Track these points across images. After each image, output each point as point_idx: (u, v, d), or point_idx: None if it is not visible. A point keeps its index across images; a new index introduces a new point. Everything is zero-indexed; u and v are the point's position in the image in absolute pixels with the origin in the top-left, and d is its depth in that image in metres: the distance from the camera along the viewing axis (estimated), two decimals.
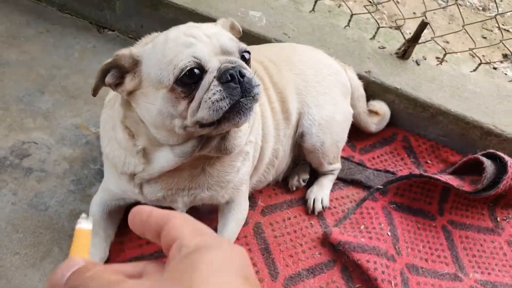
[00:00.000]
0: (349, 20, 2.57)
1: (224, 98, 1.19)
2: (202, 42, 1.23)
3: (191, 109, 1.22)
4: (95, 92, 1.36)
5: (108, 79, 1.30)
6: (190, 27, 1.31)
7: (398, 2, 3.84)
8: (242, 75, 1.21)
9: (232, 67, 1.21)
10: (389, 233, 1.97)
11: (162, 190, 1.53)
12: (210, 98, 1.19)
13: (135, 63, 1.29)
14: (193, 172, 1.50)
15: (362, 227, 1.97)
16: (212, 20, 2.38)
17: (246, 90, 1.21)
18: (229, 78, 1.19)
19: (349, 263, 1.84)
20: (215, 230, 1.79)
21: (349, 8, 2.58)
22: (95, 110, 2.26)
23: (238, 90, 1.20)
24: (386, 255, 1.85)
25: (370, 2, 3.89)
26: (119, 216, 1.81)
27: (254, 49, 2.02)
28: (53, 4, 2.73)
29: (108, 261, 1.71)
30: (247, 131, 1.48)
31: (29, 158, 2.01)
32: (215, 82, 1.20)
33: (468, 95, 2.35)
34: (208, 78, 1.21)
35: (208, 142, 1.36)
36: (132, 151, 1.44)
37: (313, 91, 1.93)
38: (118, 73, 1.30)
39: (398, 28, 2.46)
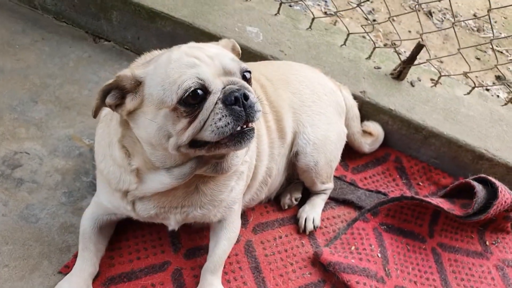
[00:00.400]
0: (346, 39, 2.59)
1: (228, 124, 1.21)
2: (205, 63, 1.25)
3: (193, 129, 1.23)
4: (95, 114, 1.36)
5: (109, 100, 1.31)
6: (192, 48, 1.32)
7: (393, 20, 3.90)
8: (246, 98, 1.23)
9: (236, 89, 1.23)
10: (379, 255, 1.98)
11: (154, 208, 1.53)
12: (215, 122, 1.22)
13: (137, 84, 1.31)
14: (187, 190, 1.50)
15: (353, 247, 1.98)
16: (209, 34, 2.42)
17: (250, 115, 1.23)
18: (234, 101, 1.21)
19: (339, 284, 1.84)
20: (207, 247, 1.79)
21: (345, 26, 2.61)
22: (88, 122, 2.25)
23: (243, 115, 1.22)
24: (375, 277, 1.86)
25: (366, 19, 3.94)
26: (111, 231, 1.80)
27: (251, 66, 2.05)
28: (49, 12, 2.73)
29: (98, 276, 1.70)
30: (244, 152, 1.49)
31: (20, 169, 2.00)
32: (220, 105, 1.22)
33: (461, 118, 2.38)
34: (212, 99, 1.23)
35: (205, 163, 1.38)
36: (127, 169, 1.44)
37: (309, 111, 1.95)
38: (119, 94, 1.32)
39: (394, 48, 2.49)
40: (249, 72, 1.34)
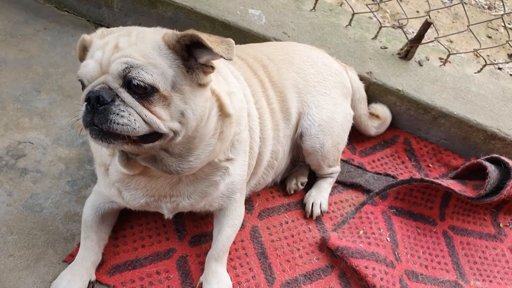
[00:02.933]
0: (351, 19, 2.52)
1: (79, 118, 1.23)
2: (98, 62, 1.22)
3: None
4: (80, 58, 1.41)
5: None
6: (116, 40, 1.26)
7: (401, 0, 3.78)
8: (102, 103, 1.18)
9: (98, 89, 1.19)
10: (388, 239, 1.93)
11: (144, 196, 1.53)
12: (81, 109, 1.23)
13: None
14: (171, 180, 1.50)
15: (361, 232, 1.94)
16: (210, 18, 2.37)
17: (98, 119, 1.18)
18: (88, 100, 1.19)
19: (347, 269, 1.81)
20: (212, 234, 1.77)
21: (350, 6, 2.54)
22: None
23: (89, 117, 1.19)
24: (385, 261, 1.82)
25: (372, 0, 3.84)
26: (113, 219, 1.79)
27: (253, 47, 2.00)
28: (51, 2, 2.70)
29: (102, 264, 1.69)
30: (204, 154, 1.40)
31: (24, 158, 1.99)
32: (83, 101, 1.23)
33: (472, 97, 2.31)
34: (85, 91, 1.24)
35: (127, 153, 1.38)
36: None
37: (313, 91, 1.90)
38: None
39: (401, 27, 2.41)
40: (144, 87, 1.19)
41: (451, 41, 3.54)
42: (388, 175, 2.19)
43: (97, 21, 2.69)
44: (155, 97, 1.20)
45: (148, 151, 1.33)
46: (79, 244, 1.70)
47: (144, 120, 1.20)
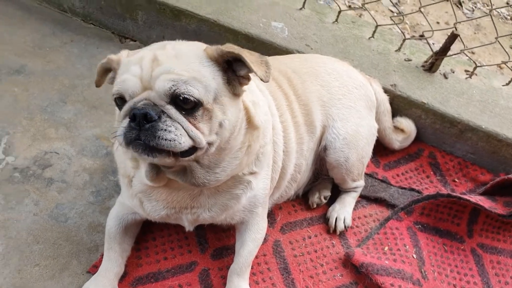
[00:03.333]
0: (374, 31, 2.50)
1: (120, 135, 1.22)
2: (139, 77, 1.21)
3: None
4: (97, 84, 1.47)
5: (109, 81, 1.43)
6: (153, 54, 1.24)
7: (420, 11, 3.74)
8: (149, 120, 1.18)
9: (141, 107, 1.18)
10: (414, 255, 1.88)
11: (164, 208, 1.52)
12: (117, 129, 1.24)
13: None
14: (192, 192, 1.49)
15: (386, 248, 1.89)
16: (234, 31, 2.38)
17: (145, 136, 1.18)
18: (133, 117, 1.19)
19: (372, 286, 1.76)
20: (233, 247, 1.75)
21: (373, 18, 2.52)
22: (114, 122, 2.26)
23: (134, 133, 1.19)
24: (411, 279, 1.77)
25: (392, 11, 3.81)
26: (136, 230, 1.79)
27: (277, 59, 2.00)
28: (77, 15, 2.77)
29: (125, 275, 1.69)
30: (230, 167, 1.40)
31: (50, 169, 2.02)
32: (126, 117, 1.22)
33: (500, 110, 2.25)
34: (125, 107, 1.23)
35: (160, 171, 1.38)
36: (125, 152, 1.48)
37: (338, 104, 1.88)
38: (114, 75, 1.38)
39: (425, 38, 2.38)
40: (188, 100, 1.19)
41: (473, 53, 3.48)
42: (413, 189, 2.15)
43: (121, 34, 2.74)
44: (199, 112, 1.22)
45: (182, 164, 1.33)
46: (103, 255, 1.71)
47: (188, 135, 1.21)
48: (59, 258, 1.73)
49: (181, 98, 1.19)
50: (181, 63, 1.22)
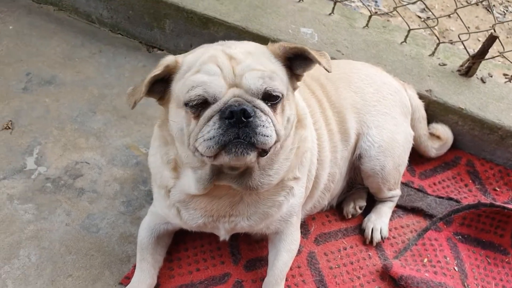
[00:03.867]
0: (406, 36, 2.43)
1: (214, 136, 1.15)
2: (220, 76, 1.17)
3: (193, 133, 1.20)
4: (137, 101, 1.29)
5: (156, 94, 1.33)
6: (219, 51, 1.23)
7: (449, 16, 3.64)
8: (247, 116, 1.13)
9: (238, 103, 1.14)
10: (456, 268, 1.79)
11: (202, 217, 1.49)
12: (204, 134, 1.16)
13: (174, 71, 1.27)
14: (232, 200, 1.45)
15: (426, 260, 1.81)
16: (263, 38, 2.34)
17: (245, 136, 1.14)
18: (229, 115, 1.13)
19: None
20: (267, 258, 1.71)
21: (406, 23, 2.46)
22: (144, 130, 2.25)
23: (233, 131, 1.14)
24: None
25: (419, 17, 3.73)
26: (168, 241, 1.76)
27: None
28: (105, 25, 2.79)
29: (157, 287, 1.66)
30: (281, 167, 1.38)
31: (81, 178, 2.02)
32: (217, 116, 1.16)
33: None
34: (212, 109, 1.17)
35: (223, 174, 1.32)
36: (164, 161, 1.43)
37: (373, 110, 1.82)
38: (163, 88, 1.31)
39: (461, 43, 2.30)
40: (276, 96, 1.20)
41: (505, 58, 3.37)
42: (451, 199, 2.06)
43: (149, 43, 2.75)
44: (279, 105, 1.23)
45: (252, 164, 1.29)
46: (135, 266, 1.69)
47: (275, 128, 1.20)
48: (91, 269, 1.72)
49: (273, 94, 1.19)
50: (257, 60, 1.22)
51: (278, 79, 1.21)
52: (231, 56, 1.21)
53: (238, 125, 1.14)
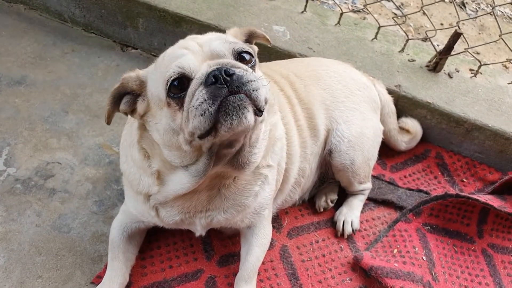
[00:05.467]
0: (377, 33, 2.48)
1: (205, 100, 1.11)
2: (192, 52, 1.20)
3: (183, 120, 1.17)
4: (108, 120, 1.35)
5: (123, 106, 1.32)
6: (187, 39, 1.30)
7: (424, 13, 3.72)
8: (230, 74, 1.12)
9: (216, 68, 1.13)
10: (424, 257, 1.84)
11: (179, 213, 1.49)
12: (197, 106, 1.12)
13: (142, 85, 1.30)
14: (210, 193, 1.46)
15: (395, 250, 1.85)
16: None
17: (235, 88, 1.11)
18: (213, 80, 1.11)
19: None
20: (239, 254, 1.72)
21: (376, 20, 2.50)
22: (117, 130, 2.24)
23: (224, 90, 1.11)
24: (421, 282, 1.73)
25: (395, 14, 3.80)
26: (140, 239, 1.76)
27: (279, 64, 1.98)
28: (78, 24, 2.77)
29: (129, 285, 1.66)
30: (262, 146, 1.39)
31: (53, 179, 2.00)
32: (201, 87, 1.13)
33: (507, 108, 2.22)
34: (194, 84, 1.15)
35: (220, 158, 1.28)
36: (147, 171, 1.41)
37: (342, 106, 1.85)
38: (131, 99, 1.32)
39: (429, 39, 2.36)
40: (249, 53, 1.25)
41: (478, 53, 3.46)
42: (421, 190, 2.11)
43: (123, 42, 2.73)
44: (255, 69, 1.25)
45: (247, 133, 1.25)
46: (106, 265, 1.68)
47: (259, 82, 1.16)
48: (62, 270, 1.71)
49: (243, 50, 1.22)
50: (219, 36, 1.28)
51: (243, 44, 1.28)
52: (196, 40, 1.26)
53: (225, 85, 1.10)
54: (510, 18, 4.30)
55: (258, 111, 1.16)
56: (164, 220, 1.52)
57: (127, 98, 1.32)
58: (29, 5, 2.80)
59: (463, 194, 1.91)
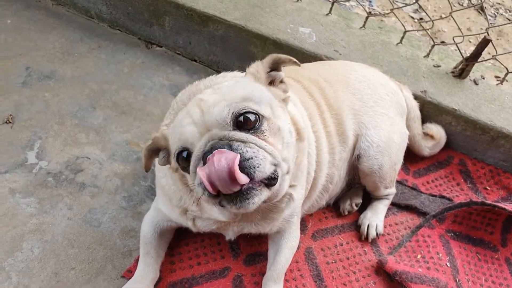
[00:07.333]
0: (402, 37, 2.49)
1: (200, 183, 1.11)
2: (193, 122, 1.19)
3: (190, 187, 1.25)
4: (147, 168, 1.48)
5: (161, 162, 1.41)
6: (195, 101, 1.26)
7: (441, 17, 3.71)
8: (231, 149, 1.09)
9: (210, 148, 1.10)
10: (448, 264, 1.86)
11: (215, 224, 1.56)
12: (195, 183, 1.15)
13: (168, 143, 1.36)
14: None
15: (419, 256, 1.87)
16: (262, 37, 2.38)
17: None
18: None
19: None
20: (266, 253, 1.75)
21: (402, 24, 2.51)
22: (144, 127, 2.28)
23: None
24: None
25: (412, 18, 3.78)
26: (170, 236, 1.80)
27: (307, 68, 1.99)
28: (104, 21, 2.80)
29: (159, 281, 1.70)
30: (286, 184, 1.32)
31: (82, 173, 2.04)
32: (200, 164, 1.13)
33: None
34: (194, 160, 1.17)
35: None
36: (188, 194, 1.48)
37: (370, 111, 1.87)
38: (166, 154, 1.40)
39: (449, 44, 2.36)
40: (252, 112, 1.16)
41: (495, 59, 3.44)
42: (443, 197, 2.12)
43: (148, 39, 2.76)
44: (265, 125, 1.17)
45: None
46: (136, 259, 1.72)
47: (266, 151, 1.12)
48: (94, 263, 1.75)
49: (242, 117, 1.14)
50: (227, 92, 1.23)
51: (251, 102, 1.18)
52: (201, 99, 1.23)
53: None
54: None
55: (272, 179, 1.13)
56: (200, 229, 1.59)
57: (162, 154, 1.41)
58: (57, 0, 2.84)
59: (488, 202, 1.92)
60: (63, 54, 2.58)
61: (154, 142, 1.39)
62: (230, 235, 1.63)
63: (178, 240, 1.83)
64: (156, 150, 1.41)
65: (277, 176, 1.15)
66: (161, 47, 2.75)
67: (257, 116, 1.17)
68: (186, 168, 1.22)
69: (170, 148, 1.34)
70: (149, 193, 2.00)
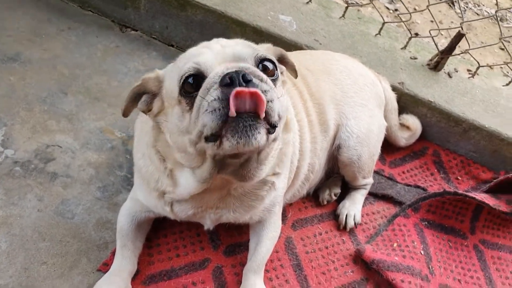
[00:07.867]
0: (381, 28, 2.51)
1: (219, 98, 1.06)
2: (212, 51, 1.18)
3: (192, 118, 1.13)
4: (125, 114, 1.36)
5: (141, 105, 1.32)
6: (212, 41, 1.27)
7: (415, 10, 3.78)
8: (247, 80, 1.06)
9: (235, 71, 1.08)
10: (422, 252, 1.92)
11: (192, 208, 1.50)
12: (208, 104, 1.07)
13: (160, 85, 1.29)
14: (221, 193, 1.46)
15: (395, 244, 1.92)
16: (241, 23, 2.33)
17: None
18: (229, 81, 1.06)
19: (383, 282, 1.79)
20: (247, 244, 1.74)
21: (381, 15, 2.53)
22: (119, 114, 2.14)
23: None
24: (420, 275, 1.81)
25: (388, 9, 3.83)
26: (148, 228, 1.75)
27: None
28: (74, 1, 2.65)
29: (137, 273, 1.66)
30: (270, 163, 1.36)
31: (53, 162, 1.95)
32: (215, 86, 1.08)
33: (502, 110, 2.30)
34: (207, 83, 1.11)
35: (224, 166, 1.25)
36: (164, 173, 1.41)
37: (351, 102, 1.88)
38: (149, 99, 1.32)
39: (431, 36, 2.40)
40: (271, 61, 1.19)
41: (465, 52, 3.55)
42: (418, 187, 2.18)
43: (122, 22, 2.64)
44: (278, 82, 1.19)
45: (256, 150, 1.18)
46: (113, 252, 1.67)
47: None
48: (67, 256, 1.68)
49: (264, 62, 1.16)
50: (246, 43, 1.24)
51: (268, 53, 1.23)
52: (220, 42, 1.25)
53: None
54: (495, 19, 4.42)
55: (271, 127, 1.11)
56: (177, 215, 1.53)
57: (145, 98, 1.32)
58: None
59: (461, 192, 1.99)
60: (29, 34, 2.43)
61: (143, 83, 1.29)
62: (208, 224, 1.58)
63: (156, 232, 1.78)
64: (141, 94, 1.32)
65: (277, 125, 1.12)
66: (136, 31, 2.65)
67: (275, 68, 1.19)
68: (186, 98, 1.14)
69: (163, 89, 1.26)
70: (125, 183, 1.93)
